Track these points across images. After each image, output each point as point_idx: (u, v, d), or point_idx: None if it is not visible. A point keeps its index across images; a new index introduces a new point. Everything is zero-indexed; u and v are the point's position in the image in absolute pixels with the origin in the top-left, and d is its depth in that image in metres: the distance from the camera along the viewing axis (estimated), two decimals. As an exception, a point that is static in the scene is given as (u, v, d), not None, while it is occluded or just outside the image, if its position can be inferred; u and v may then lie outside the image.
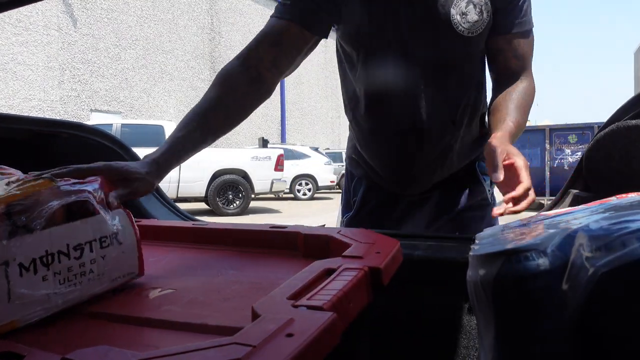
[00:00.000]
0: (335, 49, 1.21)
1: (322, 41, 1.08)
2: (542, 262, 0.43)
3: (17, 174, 0.63)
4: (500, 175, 0.83)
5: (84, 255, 0.58)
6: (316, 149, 14.52)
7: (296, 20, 1.01)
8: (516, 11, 1.03)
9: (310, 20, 1.02)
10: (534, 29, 1.07)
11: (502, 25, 1.03)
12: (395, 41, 1.03)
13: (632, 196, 0.60)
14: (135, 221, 0.67)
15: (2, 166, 0.65)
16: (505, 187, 0.85)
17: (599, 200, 0.60)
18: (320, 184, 13.19)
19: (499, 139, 0.89)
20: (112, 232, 0.62)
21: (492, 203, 1.28)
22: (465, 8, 0.99)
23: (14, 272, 0.51)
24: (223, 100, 0.97)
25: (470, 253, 0.52)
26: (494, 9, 1.01)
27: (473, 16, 1.00)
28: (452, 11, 0.99)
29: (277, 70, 1.04)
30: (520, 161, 0.84)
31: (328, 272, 0.56)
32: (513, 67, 1.07)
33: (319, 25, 1.03)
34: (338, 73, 1.25)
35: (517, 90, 1.04)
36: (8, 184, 0.56)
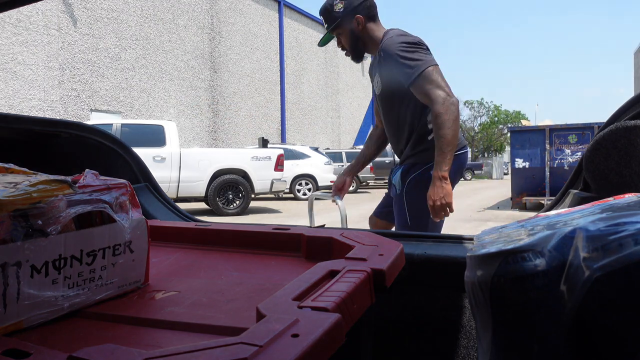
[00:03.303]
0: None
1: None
2: (539, 262, 0.44)
3: (37, 174, 0.63)
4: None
5: (96, 262, 0.59)
6: (316, 149, 14.51)
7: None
8: (407, 71, 1.72)
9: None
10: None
11: (402, 82, 1.76)
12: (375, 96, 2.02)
13: (630, 197, 0.60)
14: None
15: (10, 165, 0.65)
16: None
17: (596, 201, 0.60)
18: (320, 184, 13.17)
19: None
20: (126, 241, 0.63)
21: None
22: (377, 84, 1.93)
23: (25, 273, 0.52)
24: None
25: (468, 254, 0.52)
26: (389, 79, 1.85)
27: (377, 86, 1.93)
28: (375, 86, 1.96)
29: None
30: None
31: (332, 274, 0.57)
32: (425, 100, 1.73)
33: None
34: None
35: (435, 134, 1.71)
36: (27, 185, 0.56)
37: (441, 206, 1.66)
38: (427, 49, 1.80)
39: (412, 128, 1.86)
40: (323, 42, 2.00)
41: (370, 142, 2.18)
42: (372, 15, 1.90)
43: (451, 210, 1.68)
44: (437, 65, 1.73)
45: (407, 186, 1.85)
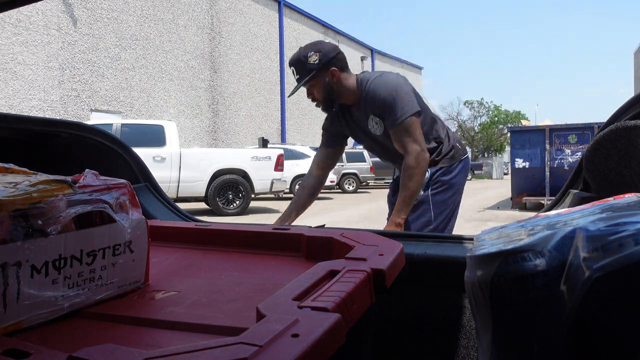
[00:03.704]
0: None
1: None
2: (539, 262, 0.44)
3: (37, 174, 0.63)
4: None
5: (96, 262, 0.59)
6: (316, 149, 14.51)
7: (327, 146, 2.14)
8: (390, 117, 1.83)
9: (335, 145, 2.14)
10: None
11: (387, 126, 1.88)
12: (370, 142, 2.10)
13: (630, 197, 0.60)
14: None
15: (10, 165, 0.65)
16: None
17: (596, 201, 0.60)
18: (320, 183, 13.16)
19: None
20: (126, 241, 0.63)
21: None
22: (374, 127, 1.95)
23: (25, 273, 0.52)
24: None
25: (468, 254, 0.52)
26: (382, 120, 1.89)
27: (377, 129, 1.95)
28: (370, 128, 1.97)
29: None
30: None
31: (332, 274, 0.57)
32: (400, 148, 1.88)
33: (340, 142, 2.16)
34: None
35: (401, 172, 1.88)
36: (27, 185, 0.56)
37: None
38: (412, 91, 1.89)
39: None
40: (292, 93, 2.04)
41: (303, 192, 2.09)
42: (344, 66, 1.94)
43: None
44: (419, 112, 1.85)
45: (432, 188, 1.99)
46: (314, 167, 2.11)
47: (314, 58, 1.89)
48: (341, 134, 2.11)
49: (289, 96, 2.13)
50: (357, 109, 1.95)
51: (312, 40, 2.11)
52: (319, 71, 1.88)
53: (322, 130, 2.13)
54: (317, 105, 2.00)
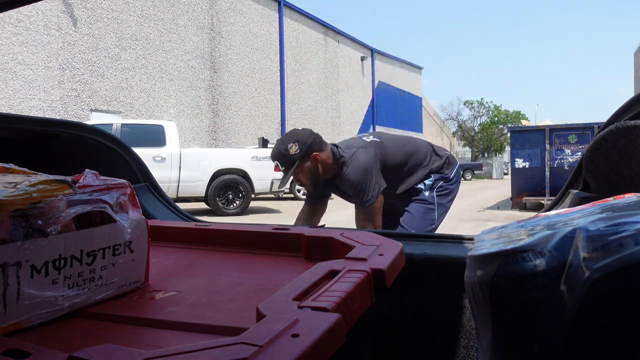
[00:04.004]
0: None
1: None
2: (539, 262, 0.44)
3: (37, 174, 0.63)
4: None
5: (96, 262, 0.59)
6: (316, 149, 14.51)
7: (312, 203, 2.30)
8: (359, 200, 2.07)
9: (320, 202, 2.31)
10: None
11: (354, 202, 2.11)
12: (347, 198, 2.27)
13: (630, 197, 0.60)
14: None
15: (10, 165, 0.65)
16: None
17: (596, 201, 0.60)
18: (320, 183, 13.17)
19: None
20: (126, 241, 0.63)
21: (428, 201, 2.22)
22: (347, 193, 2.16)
23: (25, 273, 0.52)
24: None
25: (468, 254, 0.52)
26: (353, 198, 2.12)
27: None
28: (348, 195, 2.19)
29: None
30: None
31: (332, 274, 0.57)
32: (362, 220, 2.09)
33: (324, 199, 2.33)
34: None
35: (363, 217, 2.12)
36: (27, 185, 0.56)
37: None
38: (377, 173, 2.08)
39: (426, 165, 2.20)
40: (283, 185, 2.12)
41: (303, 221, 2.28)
42: (322, 145, 2.09)
43: None
44: (380, 195, 2.07)
45: (437, 191, 2.19)
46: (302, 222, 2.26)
47: (294, 149, 2.02)
48: (325, 192, 2.31)
49: (279, 188, 2.18)
50: (339, 180, 2.13)
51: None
52: (302, 159, 2.03)
53: (311, 194, 2.31)
54: (306, 189, 2.18)
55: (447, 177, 2.23)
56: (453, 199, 2.26)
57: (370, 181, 2.05)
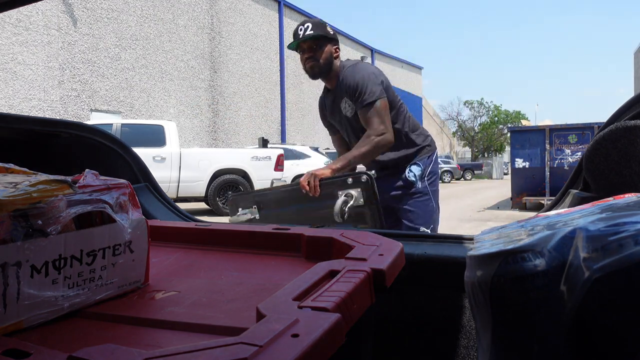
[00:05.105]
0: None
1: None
2: (539, 262, 0.44)
3: (37, 174, 0.63)
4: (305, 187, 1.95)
5: (96, 262, 0.59)
6: (316, 149, 14.49)
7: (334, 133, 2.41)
8: (359, 99, 2.05)
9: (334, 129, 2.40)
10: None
11: (356, 108, 2.09)
12: (342, 122, 2.27)
13: (630, 197, 0.60)
14: None
15: (10, 165, 0.65)
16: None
17: (596, 201, 0.60)
18: (320, 183, 13.14)
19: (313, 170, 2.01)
20: (126, 241, 0.63)
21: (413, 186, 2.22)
22: (346, 108, 2.17)
23: (25, 273, 0.52)
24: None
25: (468, 254, 0.52)
26: (353, 103, 2.10)
27: (348, 110, 2.16)
28: (343, 110, 2.19)
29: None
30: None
31: (332, 274, 0.57)
32: (366, 126, 2.07)
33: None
34: None
35: (357, 145, 2.09)
36: (27, 185, 0.56)
37: (315, 184, 1.94)
38: (384, 82, 2.10)
39: (400, 129, 2.16)
40: (303, 39, 2.11)
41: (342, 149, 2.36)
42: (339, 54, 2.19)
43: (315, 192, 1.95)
44: (385, 100, 2.06)
45: (428, 179, 2.21)
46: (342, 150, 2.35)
47: (330, 30, 2.13)
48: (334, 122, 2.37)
49: (292, 45, 2.16)
50: (334, 93, 2.20)
51: None
52: (331, 41, 2.11)
53: (326, 127, 2.45)
54: (310, 67, 2.13)
55: (431, 162, 2.24)
56: (438, 181, 2.31)
57: (370, 80, 2.04)
